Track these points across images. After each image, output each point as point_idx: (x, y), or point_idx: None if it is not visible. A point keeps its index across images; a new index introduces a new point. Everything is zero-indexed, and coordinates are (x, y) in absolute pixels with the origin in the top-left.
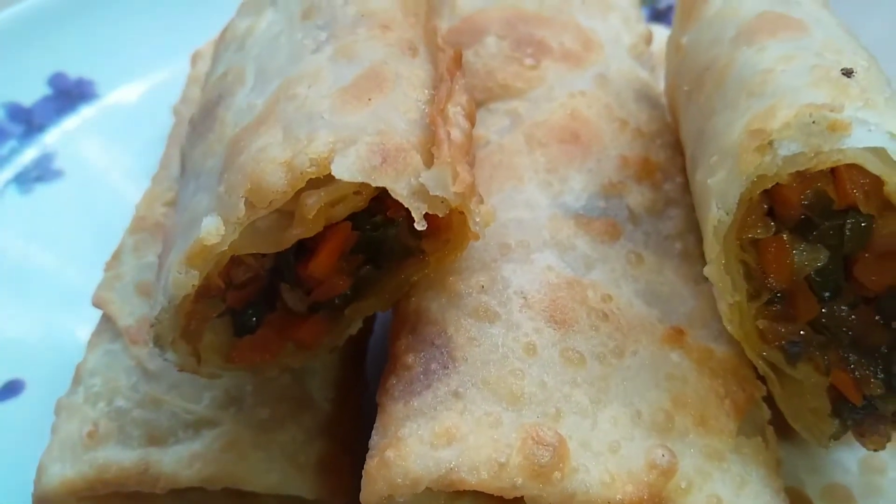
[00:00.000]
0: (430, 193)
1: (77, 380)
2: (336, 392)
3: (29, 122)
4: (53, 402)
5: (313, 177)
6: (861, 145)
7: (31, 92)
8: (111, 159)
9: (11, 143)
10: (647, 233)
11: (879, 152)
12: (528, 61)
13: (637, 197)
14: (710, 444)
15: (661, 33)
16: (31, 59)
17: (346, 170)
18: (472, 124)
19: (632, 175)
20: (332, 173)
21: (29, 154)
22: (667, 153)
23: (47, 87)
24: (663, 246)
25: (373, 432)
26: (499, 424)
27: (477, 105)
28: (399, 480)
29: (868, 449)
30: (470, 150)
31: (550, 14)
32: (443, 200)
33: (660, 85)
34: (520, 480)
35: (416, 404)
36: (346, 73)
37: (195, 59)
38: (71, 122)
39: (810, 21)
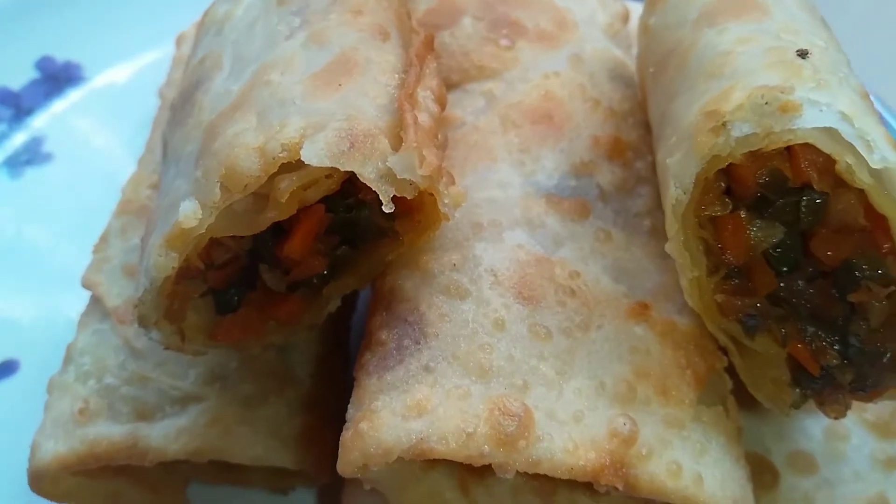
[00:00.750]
0: (398, 177)
1: (68, 359)
2: (318, 368)
3: (17, 106)
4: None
5: (285, 161)
6: (811, 126)
7: (19, 76)
8: (101, 141)
9: (1, 128)
10: (616, 210)
11: (830, 132)
12: (504, 42)
13: (607, 175)
14: (670, 413)
15: (638, 11)
16: (18, 44)
17: (315, 155)
18: (443, 108)
19: (603, 154)
20: (302, 158)
21: (18, 138)
22: (638, 132)
23: (35, 70)
24: (632, 223)
25: (349, 405)
26: (468, 396)
27: (453, 86)
28: (372, 451)
29: (829, 417)
30: (438, 134)
31: None
32: (410, 183)
33: (635, 64)
34: (487, 449)
35: (389, 378)
36: (318, 59)
37: (179, 41)
38: (59, 106)
39: (772, 2)
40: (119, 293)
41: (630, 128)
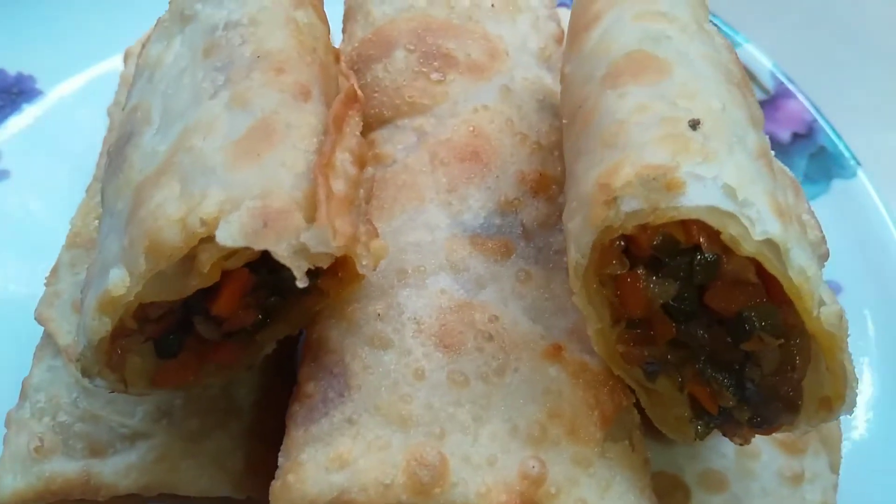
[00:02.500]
0: (311, 251)
1: (24, 394)
2: (261, 396)
3: None
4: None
5: (205, 236)
6: (694, 204)
7: None
8: (57, 158)
9: None
10: (538, 248)
11: (713, 208)
12: (435, 76)
13: (532, 212)
14: (578, 452)
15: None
16: None
17: (230, 236)
18: (362, 167)
19: (528, 190)
20: (217, 240)
21: None
22: (563, 165)
23: None
24: (553, 260)
25: (279, 453)
26: (388, 447)
27: (386, 122)
28: (298, 500)
29: (735, 444)
30: (355, 199)
31: (459, 22)
32: (325, 254)
33: None
34: (404, 497)
35: (314, 431)
36: (240, 124)
37: (127, 56)
38: (15, 121)
39: (674, 60)
40: (70, 330)
41: (556, 161)
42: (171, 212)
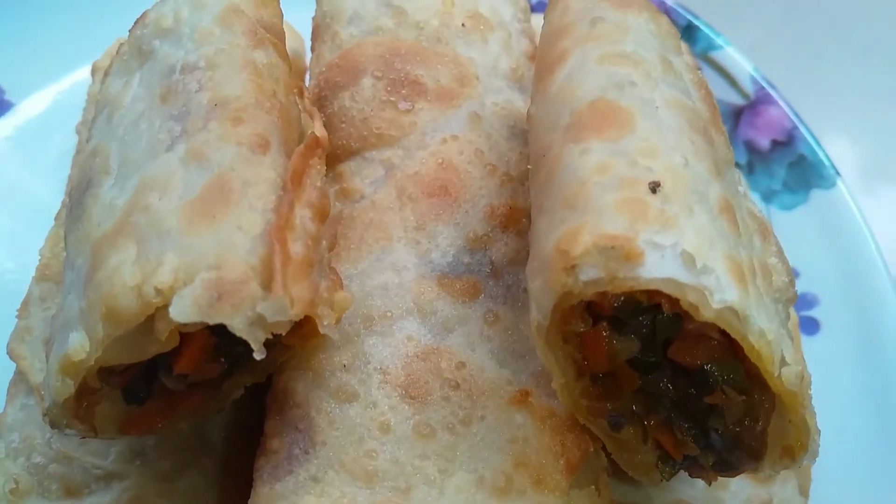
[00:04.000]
0: (268, 322)
1: None
2: (232, 431)
3: None
4: None
5: (160, 305)
6: (651, 276)
7: None
8: (28, 173)
9: None
10: (507, 286)
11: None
12: (403, 105)
13: (501, 248)
14: (544, 502)
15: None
16: None
17: (183, 312)
18: (324, 219)
19: (497, 225)
20: (171, 317)
21: None
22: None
23: None
24: (522, 298)
25: None
26: None
27: (353, 153)
28: None
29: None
30: (315, 258)
31: (428, 44)
32: (283, 322)
33: None
34: None
35: (279, 489)
36: (196, 182)
37: (94, 71)
38: None
39: (637, 110)
40: (41, 368)
41: (525, 191)
42: (126, 278)
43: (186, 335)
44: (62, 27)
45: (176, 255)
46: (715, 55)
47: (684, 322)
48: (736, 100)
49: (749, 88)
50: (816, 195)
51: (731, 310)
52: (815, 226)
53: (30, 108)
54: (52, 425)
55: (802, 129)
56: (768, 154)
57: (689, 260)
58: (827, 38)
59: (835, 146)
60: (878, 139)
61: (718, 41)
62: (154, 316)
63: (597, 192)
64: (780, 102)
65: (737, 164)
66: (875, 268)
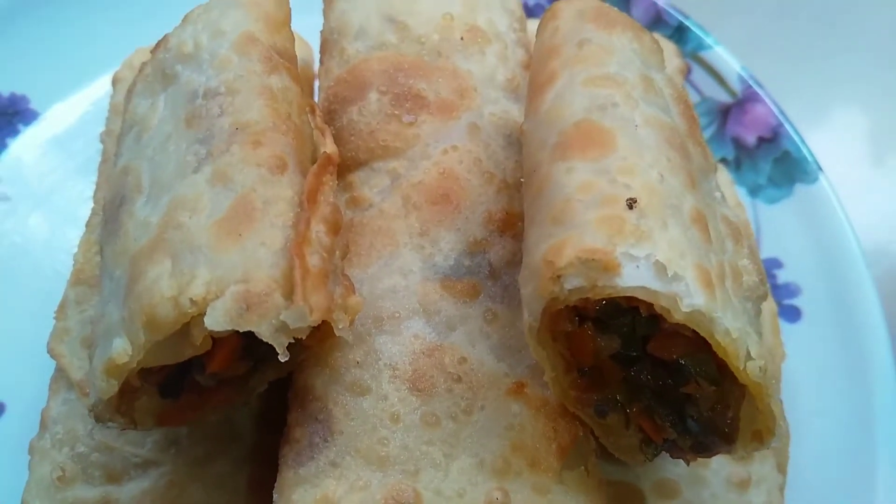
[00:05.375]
0: (291, 328)
1: (43, 425)
2: (259, 420)
3: None
4: (33, 421)
5: (195, 314)
6: (626, 284)
7: None
8: (55, 180)
9: None
10: (505, 286)
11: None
12: (407, 118)
13: (499, 251)
14: (538, 481)
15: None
16: None
17: (216, 322)
18: (337, 232)
19: (495, 229)
20: (206, 325)
21: None
22: None
23: None
24: (518, 297)
25: (274, 490)
26: (367, 487)
27: (362, 164)
28: None
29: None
30: (330, 268)
31: (430, 59)
32: (304, 327)
33: None
34: None
35: (302, 473)
36: (222, 202)
37: (115, 83)
38: (12, 143)
39: (618, 130)
40: (81, 366)
41: (521, 198)
42: (164, 290)
43: (218, 339)
44: (82, 38)
45: (207, 269)
46: (704, 55)
47: (660, 322)
48: (724, 98)
49: (737, 87)
50: (800, 189)
51: (699, 312)
52: (798, 219)
53: (54, 116)
54: (97, 420)
55: (787, 127)
56: (754, 150)
57: (661, 269)
58: (815, 36)
59: (821, 142)
60: (865, 134)
61: (708, 41)
62: (189, 323)
63: (580, 209)
64: (767, 100)
65: (724, 160)
66: (854, 259)
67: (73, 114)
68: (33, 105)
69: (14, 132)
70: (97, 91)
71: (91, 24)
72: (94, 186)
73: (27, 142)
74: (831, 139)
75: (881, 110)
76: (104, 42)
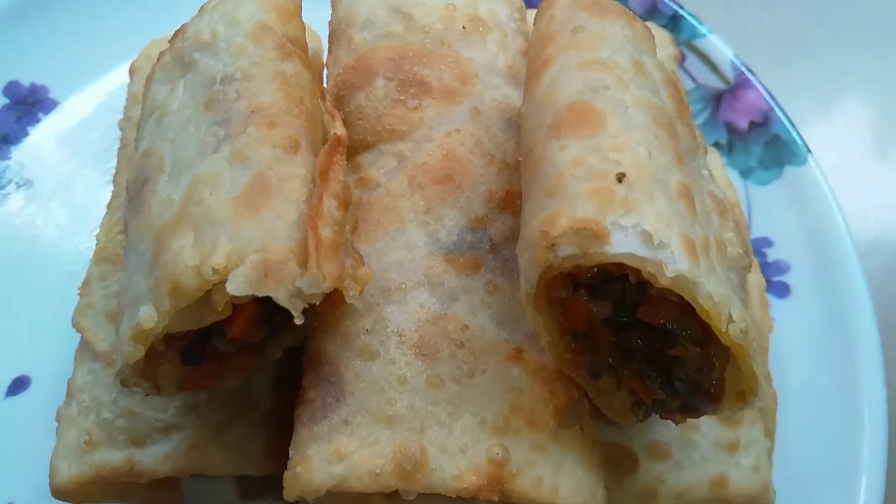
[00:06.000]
0: (305, 293)
1: (70, 394)
2: (276, 386)
3: None
4: (60, 394)
5: (217, 282)
6: (616, 251)
7: None
8: (74, 166)
9: None
10: (504, 259)
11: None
12: (412, 103)
13: (499, 227)
14: (536, 439)
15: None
16: None
17: (237, 287)
18: (347, 206)
19: (495, 207)
20: (227, 291)
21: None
22: None
23: (3, 97)
24: (517, 270)
25: (290, 448)
26: (377, 443)
27: (369, 146)
28: (306, 488)
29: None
30: (341, 239)
31: (433, 47)
32: (318, 294)
33: None
34: (392, 482)
35: (316, 430)
36: (240, 179)
37: (132, 72)
38: (34, 131)
39: (610, 110)
40: (105, 338)
41: (520, 178)
42: (187, 259)
43: (237, 306)
44: (98, 32)
45: (228, 240)
46: (698, 43)
47: (648, 288)
48: (717, 84)
49: (729, 74)
50: (789, 171)
51: (683, 277)
52: (788, 199)
53: (73, 105)
54: (123, 384)
55: (777, 111)
56: (746, 134)
57: (647, 238)
58: (807, 24)
59: (812, 126)
60: (858, 122)
61: (702, 29)
62: (211, 291)
63: (572, 182)
64: (758, 86)
65: (717, 144)
66: (841, 237)
67: (89, 103)
68: (52, 94)
69: (35, 120)
70: (113, 81)
71: (107, 18)
72: (110, 172)
73: (47, 129)
74: (824, 126)
75: (874, 98)
76: (119, 35)
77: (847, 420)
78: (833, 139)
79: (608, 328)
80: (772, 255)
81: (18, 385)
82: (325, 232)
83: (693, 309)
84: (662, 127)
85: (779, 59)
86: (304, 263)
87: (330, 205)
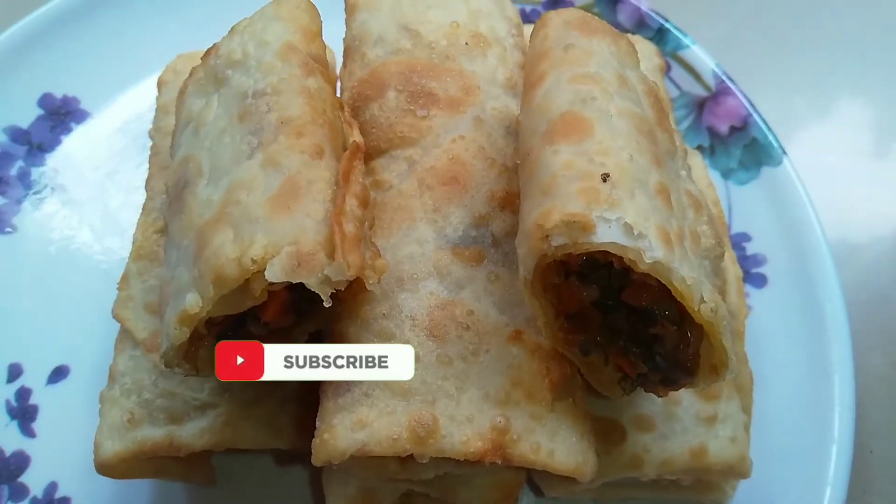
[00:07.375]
0: (332, 280)
1: (112, 378)
2: None
3: (29, 142)
4: (97, 382)
5: (255, 271)
6: (601, 240)
7: (26, 113)
8: (106, 172)
9: (20, 164)
10: (505, 252)
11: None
12: (420, 112)
13: (500, 223)
14: (534, 410)
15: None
16: (19, 82)
17: (274, 275)
18: (366, 205)
19: (497, 206)
20: (266, 278)
21: (35, 172)
22: None
23: (38, 107)
24: (517, 262)
25: (317, 418)
26: (394, 413)
27: (382, 152)
28: (332, 452)
29: (657, 396)
30: (362, 234)
31: (439, 61)
32: (343, 281)
33: None
34: (408, 447)
35: (340, 402)
36: (273, 182)
37: (160, 86)
38: (67, 140)
39: (596, 119)
40: (144, 327)
41: (518, 178)
42: (229, 252)
43: (271, 293)
44: (126, 45)
45: (264, 235)
46: (682, 53)
47: (631, 274)
48: (700, 92)
49: (711, 82)
50: (766, 172)
51: (660, 263)
52: (765, 197)
53: (102, 116)
54: (167, 365)
55: (755, 117)
56: (727, 138)
57: (628, 229)
58: (788, 33)
59: (792, 132)
60: (841, 122)
61: (686, 41)
62: (249, 279)
63: (564, 182)
64: (738, 94)
65: (700, 147)
66: (814, 232)
67: (117, 113)
68: (83, 105)
69: (67, 130)
70: (139, 93)
71: (133, 35)
72: (138, 177)
73: (79, 138)
74: (814, 128)
75: (862, 100)
76: (145, 50)
77: (819, 397)
78: (821, 140)
79: (596, 310)
80: (750, 248)
81: (58, 374)
82: (349, 227)
83: (670, 292)
84: (643, 133)
85: (764, 64)
86: (331, 255)
87: (351, 204)
